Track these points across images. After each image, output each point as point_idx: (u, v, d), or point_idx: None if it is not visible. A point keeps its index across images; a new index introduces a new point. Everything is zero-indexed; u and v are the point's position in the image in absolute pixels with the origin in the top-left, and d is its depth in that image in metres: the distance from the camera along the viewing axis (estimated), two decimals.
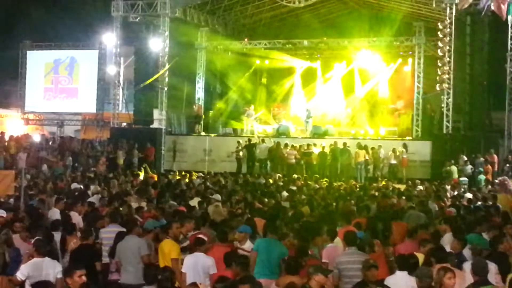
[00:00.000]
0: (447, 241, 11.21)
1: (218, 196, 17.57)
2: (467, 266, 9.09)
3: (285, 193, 19.54)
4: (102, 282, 11.12)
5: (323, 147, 30.17)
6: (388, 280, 8.86)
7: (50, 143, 37.82)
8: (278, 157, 30.57)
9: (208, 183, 22.78)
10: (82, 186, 20.61)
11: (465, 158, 27.36)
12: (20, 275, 9.48)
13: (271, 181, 24.52)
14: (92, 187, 19.91)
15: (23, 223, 12.10)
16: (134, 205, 15.18)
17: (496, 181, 24.59)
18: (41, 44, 43.16)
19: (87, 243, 11.15)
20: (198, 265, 9.97)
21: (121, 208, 14.73)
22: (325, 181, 24.62)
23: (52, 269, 9.50)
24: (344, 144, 29.89)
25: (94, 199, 16.84)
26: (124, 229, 11.56)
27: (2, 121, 44.43)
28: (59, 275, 9.37)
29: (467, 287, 8.35)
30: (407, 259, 9.08)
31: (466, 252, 10.41)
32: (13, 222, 12.07)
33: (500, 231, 11.88)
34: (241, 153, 31.08)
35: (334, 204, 17.09)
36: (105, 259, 11.69)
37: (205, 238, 10.73)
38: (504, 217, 14.48)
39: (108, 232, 11.96)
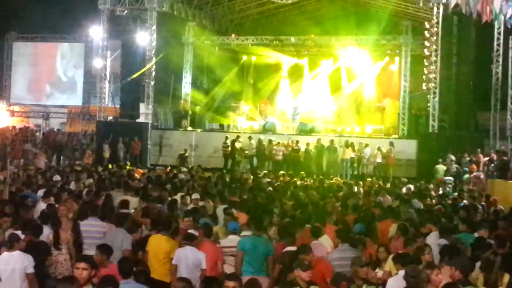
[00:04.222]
0: (432, 240, 11.23)
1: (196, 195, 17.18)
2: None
3: (270, 189, 19.46)
4: None
5: (308, 144, 30.17)
6: (390, 282, 8.87)
7: (37, 134, 37.65)
8: (264, 154, 30.61)
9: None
10: (63, 178, 20.51)
11: (452, 157, 27.36)
12: None
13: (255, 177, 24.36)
14: (86, 181, 19.77)
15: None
16: (119, 198, 15.10)
17: (473, 175, 24.78)
18: (27, 36, 42.86)
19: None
20: (189, 259, 10.01)
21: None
22: (313, 178, 24.52)
23: (19, 263, 9.14)
24: (331, 141, 29.94)
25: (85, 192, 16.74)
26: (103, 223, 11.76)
27: None
28: (29, 270, 9.14)
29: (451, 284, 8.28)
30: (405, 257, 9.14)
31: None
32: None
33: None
34: (229, 149, 31.04)
35: (321, 201, 17.00)
36: (86, 252, 11.39)
37: (196, 234, 10.84)
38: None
39: (87, 225, 11.86)
